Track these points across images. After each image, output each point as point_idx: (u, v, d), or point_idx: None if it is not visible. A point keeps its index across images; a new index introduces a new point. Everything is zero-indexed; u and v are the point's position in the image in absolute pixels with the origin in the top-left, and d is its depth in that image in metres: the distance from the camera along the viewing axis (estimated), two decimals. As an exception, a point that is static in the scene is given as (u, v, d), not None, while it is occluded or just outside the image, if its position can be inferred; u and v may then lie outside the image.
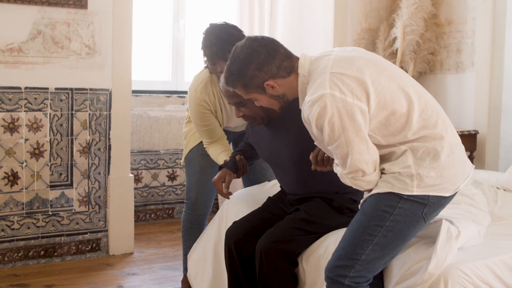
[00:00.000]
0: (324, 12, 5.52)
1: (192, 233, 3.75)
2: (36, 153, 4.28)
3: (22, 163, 4.25)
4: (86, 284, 4.02)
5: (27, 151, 4.26)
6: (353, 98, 2.31)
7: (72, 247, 4.48)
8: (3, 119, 4.15)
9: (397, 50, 5.50)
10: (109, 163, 4.56)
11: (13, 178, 4.23)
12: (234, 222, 3.09)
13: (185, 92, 5.71)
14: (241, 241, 2.98)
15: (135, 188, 5.50)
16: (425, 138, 2.41)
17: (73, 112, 4.38)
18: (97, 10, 4.38)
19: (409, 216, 2.42)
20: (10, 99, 4.16)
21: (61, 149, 4.37)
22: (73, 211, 4.47)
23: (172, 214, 5.71)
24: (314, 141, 2.56)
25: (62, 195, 4.41)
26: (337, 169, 2.46)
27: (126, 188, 4.66)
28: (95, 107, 4.45)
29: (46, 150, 4.31)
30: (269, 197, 3.19)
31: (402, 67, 5.54)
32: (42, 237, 4.37)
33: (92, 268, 4.35)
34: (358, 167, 2.37)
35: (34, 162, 4.28)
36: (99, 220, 4.57)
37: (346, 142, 2.33)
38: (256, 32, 5.73)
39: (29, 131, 4.24)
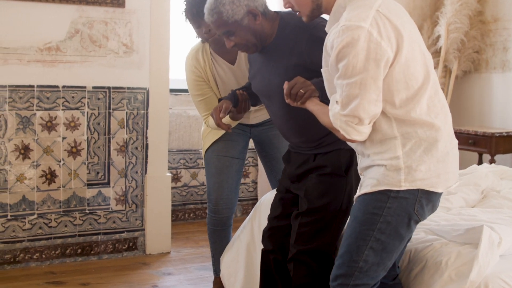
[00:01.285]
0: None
1: (217, 235, 3.70)
2: (74, 151, 4.30)
3: (60, 162, 4.26)
4: (121, 283, 4.02)
5: (65, 150, 4.27)
6: (388, 46, 2.17)
7: (109, 245, 4.48)
8: (41, 118, 4.17)
9: (440, 48, 5.37)
10: (146, 162, 4.55)
11: (50, 176, 4.25)
12: (270, 229, 2.97)
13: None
14: (276, 252, 2.90)
15: (174, 187, 5.49)
16: (422, 126, 2.26)
17: (111, 110, 4.38)
18: (134, 9, 4.37)
19: (400, 215, 2.29)
20: (48, 98, 4.18)
21: (98, 147, 4.38)
22: (110, 209, 4.47)
23: (211, 213, 5.67)
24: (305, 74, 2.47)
25: (99, 193, 4.42)
26: (334, 107, 2.29)
27: (163, 187, 4.64)
28: (132, 106, 4.45)
29: (83, 149, 4.32)
30: (277, 192, 3.04)
31: (445, 66, 5.41)
32: (79, 235, 4.38)
33: (128, 267, 4.34)
34: (359, 113, 2.20)
35: (71, 161, 4.29)
36: (136, 219, 4.56)
37: (361, 84, 2.17)
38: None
39: (66, 129, 4.25)
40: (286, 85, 2.51)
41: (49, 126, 4.20)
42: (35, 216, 4.23)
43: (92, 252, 4.43)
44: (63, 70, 4.20)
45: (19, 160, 4.14)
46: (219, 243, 3.69)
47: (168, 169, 5.37)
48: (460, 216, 3.09)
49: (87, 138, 4.33)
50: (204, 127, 3.68)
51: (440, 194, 2.36)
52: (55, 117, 4.21)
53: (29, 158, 4.17)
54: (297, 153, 2.85)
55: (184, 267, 4.40)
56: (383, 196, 2.27)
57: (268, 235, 2.92)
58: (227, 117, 3.14)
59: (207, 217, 3.71)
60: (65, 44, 4.20)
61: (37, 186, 4.21)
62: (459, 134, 5.13)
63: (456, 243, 2.70)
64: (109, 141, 4.41)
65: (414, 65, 2.24)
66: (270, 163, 3.67)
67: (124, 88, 4.41)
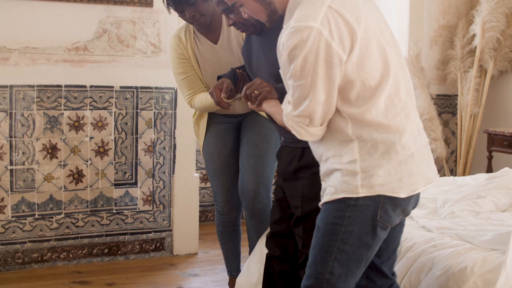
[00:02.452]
0: (399, 10, 5.33)
1: (227, 235, 3.65)
2: (101, 151, 4.30)
3: (87, 161, 4.27)
4: (146, 284, 4.00)
5: (92, 149, 4.28)
6: (339, 46, 2.07)
7: (136, 246, 4.47)
8: (69, 117, 4.18)
9: (475, 47, 5.25)
10: (174, 162, 4.54)
11: (77, 176, 4.25)
12: (272, 234, 2.85)
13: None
14: (281, 257, 2.81)
15: (203, 188, 5.46)
16: (378, 128, 2.14)
17: (138, 110, 4.37)
18: (162, 8, 4.32)
19: (361, 224, 2.18)
20: (75, 98, 4.19)
21: (126, 147, 4.37)
22: (137, 210, 4.46)
23: (243, 215, 5.62)
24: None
25: (127, 193, 4.41)
26: (286, 107, 2.21)
27: (191, 188, 4.62)
28: (160, 106, 4.43)
29: (110, 149, 4.32)
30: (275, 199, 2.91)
31: (481, 66, 5.28)
32: (106, 235, 4.38)
33: (155, 267, 4.33)
34: (310, 115, 2.13)
35: (98, 161, 4.30)
36: (163, 220, 4.55)
37: (311, 85, 2.08)
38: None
39: (94, 129, 4.25)
40: (245, 86, 2.46)
41: (77, 126, 4.21)
42: (62, 215, 4.24)
43: (119, 252, 4.43)
44: (91, 70, 4.21)
45: (47, 159, 4.16)
46: (230, 243, 3.65)
47: (198, 169, 5.35)
48: (489, 221, 3.00)
49: (115, 138, 4.33)
50: (192, 122, 3.60)
51: (410, 197, 2.23)
52: (83, 117, 4.22)
53: (57, 157, 4.18)
54: (287, 147, 2.72)
55: (211, 268, 4.37)
56: (343, 205, 2.17)
57: (271, 240, 2.85)
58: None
59: (216, 219, 3.65)
60: (92, 44, 4.20)
61: (64, 186, 4.22)
62: (494, 136, 5.01)
63: (482, 249, 2.63)
64: (137, 141, 4.40)
65: (370, 63, 2.13)
66: (241, 146, 3.50)
67: (152, 88, 4.40)
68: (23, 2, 4.00)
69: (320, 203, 2.27)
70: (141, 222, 4.48)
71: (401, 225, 2.41)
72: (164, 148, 4.49)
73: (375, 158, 2.13)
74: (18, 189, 4.11)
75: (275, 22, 2.31)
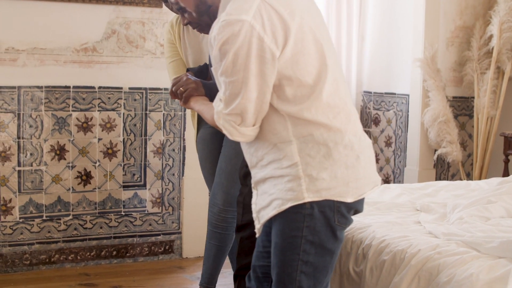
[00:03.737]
0: (415, 10, 5.23)
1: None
2: (109, 152, 4.27)
3: (95, 163, 4.24)
4: (153, 287, 3.96)
5: (100, 151, 4.25)
6: (272, 41, 1.99)
7: (144, 248, 4.44)
8: (77, 119, 4.16)
9: (493, 49, 5.14)
10: (183, 164, 4.50)
11: (86, 177, 4.23)
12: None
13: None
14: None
15: (215, 190, 5.41)
16: (319, 127, 2.05)
17: (147, 112, 4.34)
18: (172, 9, 4.32)
19: (321, 232, 2.08)
20: (84, 99, 4.17)
21: (135, 149, 4.34)
22: (146, 212, 4.43)
23: (254, 217, 5.58)
24: None
25: (135, 195, 4.38)
26: (217, 105, 2.11)
27: (201, 190, 4.56)
28: (169, 107, 4.40)
29: (119, 150, 4.29)
30: None
31: (498, 68, 5.17)
32: (115, 237, 4.35)
33: (163, 270, 4.29)
34: (242, 113, 2.03)
35: (107, 162, 4.27)
36: (173, 222, 4.51)
37: (243, 82, 2.00)
38: (344, 32, 5.52)
39: (102, 130, 4.23)
40: (172, 82, 2.42)
41: (85, 127, 4.19)
42: (70, 217, 4.22)
43: (128, 254, 4.40)
44: (99, 70, 4.18)
45: (55, 161, 4.14)
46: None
47: (209, 171, 5.31)
48: (498, 227, 2.91)
49: (123, 139, 4.30)
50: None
51: (359, 201, 2.15)
52: (91, 118, 4.19)
53: (65, 159, 4.16)
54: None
55: (221, 271, 4.31)
56: (298, 216, 2.06)
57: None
58: None
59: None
60: (101, 45, 4.18)
61: (72, 187, 4.20)
62: (510, 139, 4.90)
63: (489, 257, 2.54)
64: (146, 143, 4.37)
65: (305, 59, 2.04)
66: (220, 156, 3.43)
67: (161, 89, 4.37)
68: (32, 3, 3.99)
69: (266, 217, 2.13)
70: (150, 225, 4.44)
71: None
72: (174, 150, 4.45)
73: (317, 161, 2.05)
74: (26, 190, 4.09)
75: (203, 14, 2.22)
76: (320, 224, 2.07)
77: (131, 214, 4.37)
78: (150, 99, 4.34)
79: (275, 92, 2.04)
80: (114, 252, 4.36)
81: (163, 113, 4.39)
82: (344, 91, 2.14)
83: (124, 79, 4.26)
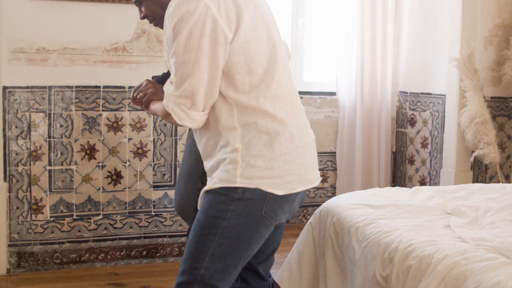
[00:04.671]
0: (452, 8, 5.12)
1: None
2: (140, 152, 4.27)
3: (125, 163, 4.24)
4: (181, 288, 3.94)
5: (130, 151, 4.25)
6: (225, 23, 2.01)
7: (174, 248, 4.42)
8: (107, 118, 4.16)
9: (533, 48, 5.00)
10: (214, 165, 4.46)
11: (116, 177, 4.23)
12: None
13: (304, 93, 5.52)
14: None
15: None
16: (264, 116, 2.07)
17: (178, 112, 4.32)
18: (202, 8, 4.29)
19: (245, 218, 2.08)
20: (114, 98, 4.17)
21: (165, 149, 4.33)
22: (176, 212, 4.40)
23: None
24: None
25: (165, 195, 4.37)
26: (168, 88, 2.11)
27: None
28: (200, 107, 4.37)
29: (149, 150, 4.28)
30: None
31: (538, 67, 5.02)
32: (145, 237, 4.34)
33: (192, 271, 4.26)
34: (192, 95, 2.03)
35: (137, 162, 4.26)
36: (203, 223, 4.48)
37: (194, 62, 2.00)
38: (379, 31, 5.43)
39: (132, 130, 4.23)
40: (134, 89, 2.39)
41: (115, 126, 4.19)
42: (101, 216, 4.22)
43: (158, 254, 4.38)
44: (129, 70, 4.18)
45: (85, 160, 4.15)
46: None
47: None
48: (532, 232, 2.81)
49: (153, 139, 4.29)
50: None
51: (300, 192, 2.16)
52: (121, 118, 4.19)
53: (95, 158, 4.17)
54: None
55: (249, 273, 4.27)
56: (227, 198, 2.08)
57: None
58: None
59: None
60: (131, 45, 4.17)
61: (102, 187, 4.21)
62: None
63: (502, 255, 2.47)
64: (176, 143, 4.35)
65: (257, 47, 2.06)
66: None
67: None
68: (62, 3, 4.01)
69: (201, 193, 2.18)
70: (180, 225, 4.42)
71: (281, 226, 2.34)
72: (204, 150, 4.42)
73: (257, 148, 2.07)
74: (56, 189, 4.11)
75: (158, 7, 2.24)
76: (246, 211, 2.08)
77: (161, 214, 4.36)
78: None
79: (224, 78, 2.06)
80: (144, 252, 4.36)
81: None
82: (292, 85, 2.18)
83: (155, 79, 4.25)
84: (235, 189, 2.08)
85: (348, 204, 3.24)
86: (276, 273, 3.73)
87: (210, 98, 2.07)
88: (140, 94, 2.33)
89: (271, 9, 2.33)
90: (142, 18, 2.37)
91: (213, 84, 2.04)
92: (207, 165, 2.20)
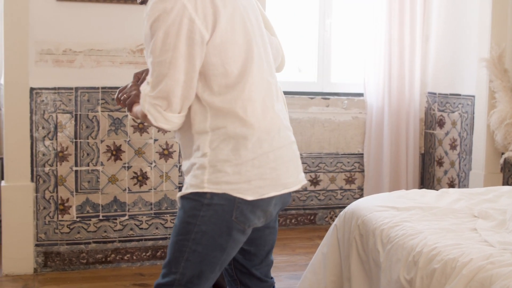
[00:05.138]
0: (481, 8, 5.04)
1: None
2: (165, 153, 4.27)
3: (151, 164, 4.25)
4: (206, 289, 3.93)
5: (156, 152, 4.25)
6: (202, 24, 1.98)
7: (200, 249, 4.41)
8: (133, 120, 4.17)
9: None
10: (240, 166, 4.45)
11: (142, 178, 4.24)
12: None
13: (331, 94, 5.49)
14: None
15: (275, 192, 5.35)
16: (234, 121, 2.05)
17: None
18: (228, 9, 4.28)
19: (216, 224, 2.06)
20: (140, 99, 4.18)
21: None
22: (202, 213, 4.40)
23: (314, 220, 5.50)
24: None
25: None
26: (145, 88, 2.08)
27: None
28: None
29: (175, 151, 4.29)
30: None
31: None
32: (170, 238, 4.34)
33: (217, 272, 4.26)
34: (168, 96, 2.01)
35: (163, 163, 4.27)
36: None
37: (170, 62, 1.98)
38: (407, 32, 5.37)
39: (158, 131, 4.23)
40: (119, 90, 2.36)
41: (141, 128, 4.20)
42: (126, 217, 4.24)
43: (183, 255, 4.38)
44: (155, 71, 4.18)
45: (111, 161, 4.17)
46: None
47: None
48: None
49: (179, 140, 4.29)
50: None
51: (274, 197, 2.12)
52: (147, 119, 4.20)
53: (121, 159, 4.18)
54: None
55: (275, 275, 4.22)
56: (197, 204, 2.07)
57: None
58: None
59: None
60: (157, 46, 4.17)
61: (128, 188, 4.22)
62: None
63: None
64: (202, 144, 4.34)
65: (233, 48, 2.03)
66: None
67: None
68: (88, 5, 4.03)
69: (177, 200, 2.18)
70: (206, 226, 4.42)
71: (271, 227, 2.32)
72: (230, 151, 4.41)
73: (224, 153, 2.05)
74: (82, 190, 4.13)
75: None
76: (216, 217, 2.07)
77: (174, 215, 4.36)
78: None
79: (201, 80, 2.05)
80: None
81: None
82: (266, 88, 2.13)
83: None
84: (204, 194, 2.06)
85: (373, 206, 3.20)
86: (301, 275, 3.72)
87: (186, 100, 2.05)
88: (124, 95, 2.32)
89: (259, 6, 2.29)
90: (140, 3, 2.34)
91: (189, 85, 2.03)
92: (183, 166, 2.21)
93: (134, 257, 4.28)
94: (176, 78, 2.00)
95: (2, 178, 4.24)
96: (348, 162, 5.51)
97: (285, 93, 5.25)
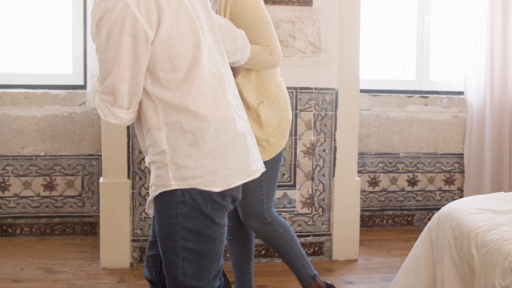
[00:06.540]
0: None
1: (229, 244, 3.50)
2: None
3: (245, 162, 4.27)
4: (297, 289, 3.93)
5: (250, 150, 4.27)
6: (146, 22, 1.99)
7: (293, 249, 4.40)
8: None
9: None
10: (334, 165, 4.41)
11: (235, 176, 4.27)
12: None
13: (430, 92, 5.35)
14: None
15: (371, 192, 5.28)
16: (187, 115, 2.07)
17: (297, 111, 4.31)
18: (322, 7, 4.25)
19: (196, 218, 2.10)
20: (234, 98, 4.21)
21: (284, 149, 4.31)
22: (296, 212, 4.39)
23: (412, 221, 5.38)
24: None
25: (285, 195, 4.36)
26: (95, 82, 2.12)
27: (352, 192, 4.46)
28: (320, 107, 4.33)
29: (268, 150, 4.29)
30: None
31: None
32: (264, 237, 4.36)
33: (310, 272, 4.23)
34: (114, 92, 2.05)
35: (256, 161, 4.28)
36: (323, 224, 4.44)
37: (114, 59, 2.01)
38: (510, 27, 5.16)
39: (252, 130, 4.25)
40: None
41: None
42: (220, 215, 4.27)
43: (276, 254, 4.37)
44: (249, 70, 4.20)
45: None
46: (231, 255, 3.53)
47: (365, 172, 5.20)
48: None
49: (273, 139, 4.29)
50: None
51: (240, 185, 2.15)
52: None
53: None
54: None
55: (368, 276, 4.19)
56: (172, 203, 2.09)
57: None
58: None
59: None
60: (251, 45, 4.19)
61: (222, 186, 4.25)
62: None
63: None
64: (296, 143, 4.33)
65: (180, 44, 2.03)
66: None
67: (311, 89, 4.31)
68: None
69: (148, 202, 2.20)
70: (300, 225, 4.40)
71: None
72: (324, 150, 4.38)
73: (183, 149, 2.08)
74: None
75: None
76: (193, 211, 2.09)
77: (281, 214, 4.36)
78: (300, 99, 4.30)
79: (149, 76, 2.08)
80: (263, 252, 4.37)
81: (314, 113, 4.33)
82: (219, 79, 2.16)
83: (274, 79, 4.25)
84: (174, 192, 2.09)
85: (468, 209, 3.09)
86: (392, 277, 3.64)
87: (134, 96, 2.10)
88: None
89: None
90: None
91: (135, 82, 2.07)
92: (147, 161, 2.23)
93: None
94: (120, 74, 2.05)
95: (101, 175, 4.38)
96: (448, 162, 5.35)
97: (382, 91, 5.19)
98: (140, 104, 2.15)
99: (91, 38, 2.13)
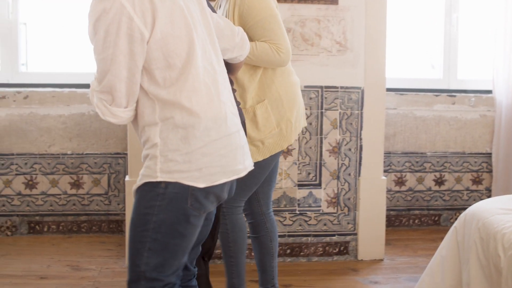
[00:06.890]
0: None
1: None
2: (285, 151, 4.28)
3: (270, 161, 4.27)
4: (322, 288, 3.92)
5: (275, 149, 4.27)
6: (141, 21, 2.04)
7: (318, 248, 4.40)
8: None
9: None
10: (360, 164, 4.39)
11: (260, 175, 4.27)
12: None
13: (458, 91, 5.30)
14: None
15: (398, 191, 5.25)
16: (181, 111, 2.12)
17: (323, 110, 4.29)
18: (348, 6, 4.23)
19: (173, 211, 2.14)
20: (259, 97, 4.21)
21: (310, 148, 4.31)
22: (321, 211, 4.38)
23: (438, 221, 5.33)
24: None
25: (310, 195, 4.35)
26: (92, 83, 2.16)
27: (378, 191, 4.44)
28: (346, 106, 4.31)
29: (294, 149, 4.29)
30: None
31: None
32: (289, 236, 4.36)
33: (335, 272, 4.22)
34: (111, 91, 2.09)
35: (282, 160, 4.28)
36: (348, 223, 4.42)
37: (111, 59, 2.06)
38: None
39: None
40: None
41: (260, 125, 4.23)
42: (245, 214, 4.28)
43: (301, 253, 4.38)
44: (275, 69, 4.20)
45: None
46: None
47: (392, 172, 5.16)
48: None
49: (299, 138, 4.29)
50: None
51: (225, 184, 2.22)
52: (266, 117, 4.22)
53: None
54: None
55: (394, 276, 4.17)
56: (153, 194, 2.14)
57: None
58: None
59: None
60: (277, 44, 4.18)
61: (247, 185, 4.26)
62: None
63: None
64: (321, 142, 4.32)
65: (175, 42, 2.09)
66: None
67: (337, 88, 4.30)
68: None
69: (133, 192, 2.24)
70: (325, 224, 4.39)
71: (208, 219, 2.34)
72: (350, 149, 4.36)
73: (174, 143, 2.12)
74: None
75: None
76: (172, 205, 2.14)
77: (306, 213, 4.35)
78: (326, 98, 4.28)
79: (146, 75, 2.13)
80: (288, 251, 4.37)
81: (339, 112, 4.31)
82: (212, 77, 2.20)
83: (300, 77, 4.16)
84: (158, 184, 2.14)
85: (495, 209, 3.06)
86: (418, 277, 3.61)
87: (131, 95, 2.15)
88: None
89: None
90: None
91: (132, 81, 2.12)
92: (142, 157, 2.28)
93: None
94: (117, 74, 2.10)
95: (127, 173, 4.40)
96: (475, 162, 5.29)
97: (409, 90, 5.15)
98: (138, 102, 2.20)
99: (89, 38, 2.18)
